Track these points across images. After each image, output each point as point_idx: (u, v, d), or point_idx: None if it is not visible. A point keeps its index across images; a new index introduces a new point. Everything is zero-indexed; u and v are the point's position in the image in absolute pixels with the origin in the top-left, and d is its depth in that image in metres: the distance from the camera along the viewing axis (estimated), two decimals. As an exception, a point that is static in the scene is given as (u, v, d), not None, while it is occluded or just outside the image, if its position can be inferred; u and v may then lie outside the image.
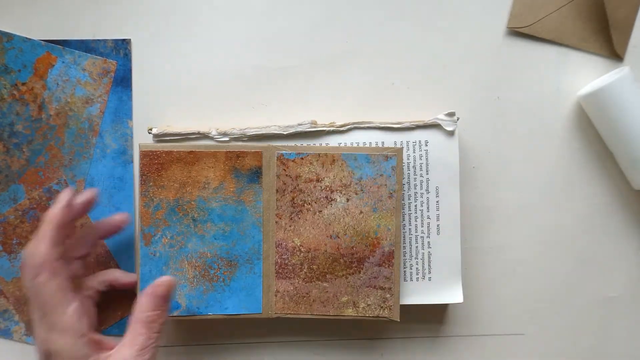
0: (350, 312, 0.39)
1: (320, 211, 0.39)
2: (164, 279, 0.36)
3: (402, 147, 0.39)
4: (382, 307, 0.39)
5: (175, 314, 0.39)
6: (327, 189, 0.38)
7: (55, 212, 0.35)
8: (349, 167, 0.38)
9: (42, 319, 0.33)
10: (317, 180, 0.39)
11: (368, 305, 0.39)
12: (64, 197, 0.36)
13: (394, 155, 0.38)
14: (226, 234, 0.39)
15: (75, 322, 0.33)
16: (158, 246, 0.38)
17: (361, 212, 0.38)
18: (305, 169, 0.38)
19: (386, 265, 0.38)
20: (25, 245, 0.39)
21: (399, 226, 0.38)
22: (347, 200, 0.38)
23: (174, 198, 0.38)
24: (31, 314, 0.34)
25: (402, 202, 0.40)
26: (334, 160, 0.38)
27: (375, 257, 0.38)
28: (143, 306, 0.35)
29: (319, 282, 0.39)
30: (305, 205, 0.39)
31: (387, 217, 0.38)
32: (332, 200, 0.39)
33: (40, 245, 0.34)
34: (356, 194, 0.38)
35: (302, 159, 0.38)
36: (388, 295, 0.39)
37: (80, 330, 0.33)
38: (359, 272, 0.39)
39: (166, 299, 0.36)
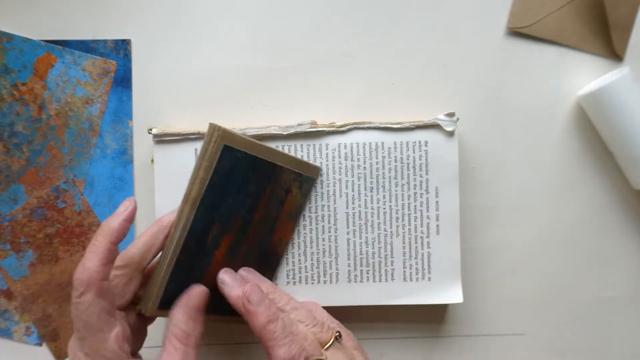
0: None
1: None
2: (197, 290, 0.34)
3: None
4: None
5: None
6: None
7: (114, 226, 0.31)
8: None
9: (82, 341, 0.31)
10: None
11: None
12: (125, 210, 0.32)
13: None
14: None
15: (117, 349, 0.31)
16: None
17: None
18: None
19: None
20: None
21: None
22: None
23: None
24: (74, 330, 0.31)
25: (398, 203, 0.40)
26: None
27: None
28: (177, 320, 0.32)
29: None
30: None
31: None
32: None
33: (89, 262, 0.30)
34: None
35: None
36: None
37: (120, 358, 0.31)
38: None
39: (200, 310, 0.33)
